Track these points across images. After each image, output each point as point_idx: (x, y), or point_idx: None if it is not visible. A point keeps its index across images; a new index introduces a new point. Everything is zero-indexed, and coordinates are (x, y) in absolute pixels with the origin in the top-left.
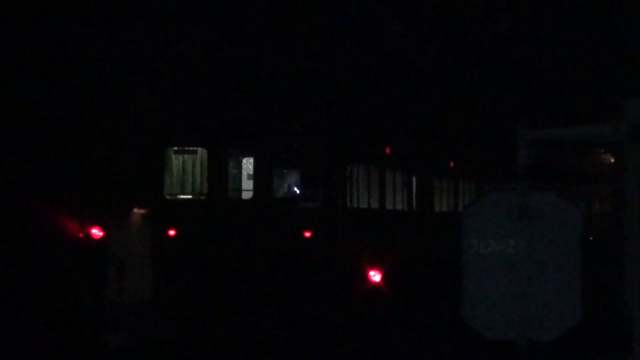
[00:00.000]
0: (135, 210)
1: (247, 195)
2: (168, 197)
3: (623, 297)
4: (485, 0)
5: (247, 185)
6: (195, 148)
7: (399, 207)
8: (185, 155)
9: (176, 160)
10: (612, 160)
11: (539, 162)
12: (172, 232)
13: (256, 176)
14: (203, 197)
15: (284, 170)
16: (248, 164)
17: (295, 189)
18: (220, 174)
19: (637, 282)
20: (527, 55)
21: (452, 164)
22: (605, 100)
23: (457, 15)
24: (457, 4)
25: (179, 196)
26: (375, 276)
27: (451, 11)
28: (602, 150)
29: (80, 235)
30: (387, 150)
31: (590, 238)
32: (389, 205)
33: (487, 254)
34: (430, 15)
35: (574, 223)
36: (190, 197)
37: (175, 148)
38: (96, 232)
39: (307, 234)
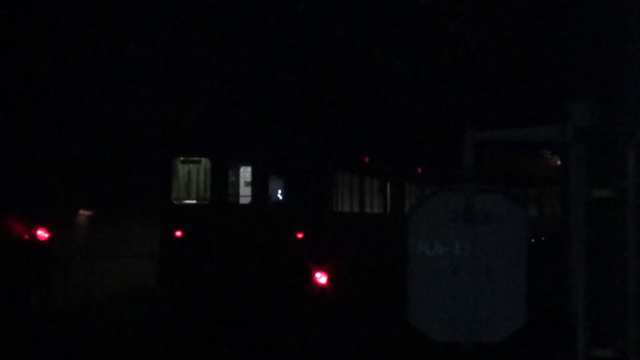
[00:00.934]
0: (81, 211)
1: (244, 200)
2: (175, 202)
3: (568, 298)
4: (434, 1)
5: (245, 191)
6: (199, 158)
7: (375, 210)
8: (191, 165)
9: (182, 169)
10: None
11: (492, 165)
12: (178, 234)
13: (253, 183)
14: (206, 202)
15: (278, 178)
16: (246, 173)
17: (288, 195)
18: (222, 181)
19: (582, 284)
20: (475, 57)
21: (419, 170)
22: (552, 102)
23: (404, 16)
24: (405, 5)
25: (184, 201)
26: (321, 278)
27: (399, 12)
28: (555, 153)
29: (26, 236)
30: (367, 159)
31: (542, 238)
32: (367, 209)
33: (432, 256)
34: (378, 17)
35: (520, 225)
36: (194, 202)
37: (182, 158)
38: (42, 234)
39: (299, 235)
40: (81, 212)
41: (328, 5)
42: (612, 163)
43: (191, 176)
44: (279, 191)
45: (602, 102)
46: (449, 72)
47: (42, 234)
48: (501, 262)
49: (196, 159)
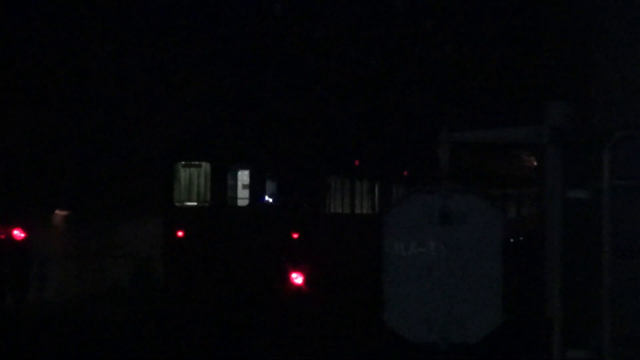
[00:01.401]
0: (57, 211)
1: (242, 202)
2: (177, 204)
3: (544, 299)
4: (409, 3)
5: (243, 194)
6: (200, 162)
7: (365, 211)
8: (192, 169)
9: (184, 173)
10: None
11: (472, 166)
12: (180, 233)
13: (251, 186)
14: (206, 204)
15: (275, 181)
16: (244, 176)
17: (284, 197)
18: (221, 184)
19: (557, 285)
20: (450, 58)
21: (405, 173)
22: (528, 103)
23: (380, 17)
24: (380, 6)
25: (186, 203)
26: (297, 278)
27: (374, 13)
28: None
29: (2, 237)
30: (357, 163)
31: (521, 238)
32: (357, 210)
33: (407, 256)
34: (355, 18)
35: (495, 226)
36: (195, 203)
37: (184, 162)
38: (18, 234)
39: (295, 235)
40: (57, 212)
41: (305, 6)
42: (588, 164)
43: (192, 179)
44: (276, 194)
45: (579, 103)
46: (426, 73)
47: (18, 234)
48: (477, 262)
49: (197, 163)
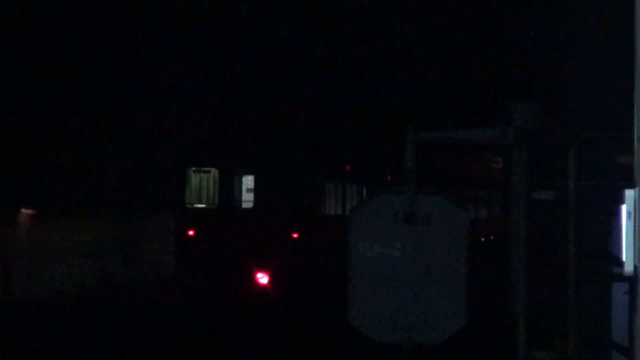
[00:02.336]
0: (23, 210)
1: (247, 205)
2: (188, 205)
3: (509, 299)
4: (377, 3)
5: (248, 197)
6: (209, 168)
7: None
8: (202, 174)
9: (195, 178)
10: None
11: (443, 167)
12: (191, 233)
13: (255, 190)
14: (214, 206)
15: (277, 186)
16: (248, 181)
17: (286, 200)
18: (228, 188)
19: (523, 285)
20: (418, 58)
21: (389, 177)
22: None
23: (348, 17)
24: (348, 6)
25: (196, 205)
26: (262, 278)
27: (342, 13)
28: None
29: None
30: (348, 167)
31: (491, 237)
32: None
33: (372, 256)
34: (321, 18)
35: (461, 227)
36: (204, 206)
37: (194, 168)
38: None
39: (295, 235)
40: (23, 211)
41: (271, 6)
42: (553, 165)
43: (202, 184)
44: (277, 197)
45: (545, 105)
46: (392, 73)
47: None
48: (442, 263)
49: (206, 169)
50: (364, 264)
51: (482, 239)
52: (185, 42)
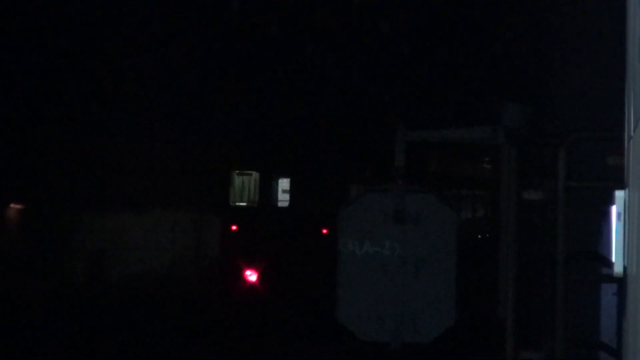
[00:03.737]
0: (12, 205)
1: (283, 204)
2: (232, 204)
3: (497, 298)
4: (367, 1)
5: (284, 197)
6: (251, 172)
7: None
8: (244, 176)
9: (238, 180)
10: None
11: (439, 168)
12: (234, 227)
13: (290, 191)
14: (255, 204)
15: (309, 188)
16: (284, 183)
17: (316, 200)
18: (267, 189)
19: (511, 285)
20: (407, 58)
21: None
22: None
23: (338, 15)
24: (338, 5)
25: (239, 203)
26: (251, 276)
27: (332, 11)
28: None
29: None
30: (367, 172)
31: (487, 235)
32: None
33: (362, 254)
34: (311, 16)
35: (450, 226)
36: (246, 204)
37: (238, 171)
38: None
39: (324, 231)
40: (12, 205)
41: (261, 2)
42: (543, 166)
43: (244, 185)
44: (309, 197)
45: (535, 105)
46: (383, 72)
47: None
48: (430, 262)
49: (248, 172)
50: (353, 263)
51: (479, 236)
52: (231, 58)
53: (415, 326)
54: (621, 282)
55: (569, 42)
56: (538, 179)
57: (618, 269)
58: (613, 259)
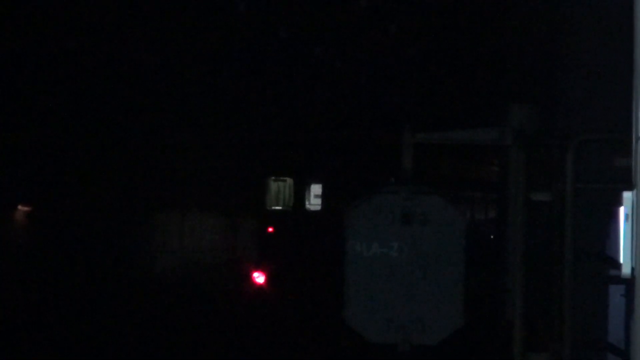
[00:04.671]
0: (20, 207)
1: (315, 208)
2: (268, 208)
3: (506, 301)
4: (373, 2)
5: (316, 201)
6: (285, 178)
7: None
8: (280, 182)
9: (274, 185)
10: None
11: (452, 171)
12: (270, 230)
13: (322, 196)
14: (289, 208)
15: (339, 193)
16: (317, 189)
17: (346, 204)
18: (300, 194)
19: (519, 287)
20: (414, 58)
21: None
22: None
23: (344, 16)
24: (345, 6)
25: (274, 207)
26: (259, 278)
27: (338, 12)
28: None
29: None
30: (392, 179)
31: (491, 237)
32: None
33: (369, 256)
34: (317, 17)
35: (457, 228)
36: (281, 208)
37: (273, 177)
38: None
39: None
40: (20, 207)
41: (269, 5)
42: (551, 167)
43: (279, 190)
44: (339, 201)
45: (543, 106)
46: (389, 73)
47: None
48: (439, 263)
49: (283, 178)
50: (360, 264)
51: (492, 236)
52: (268, 75)
53: (424, 327)
54: (629, 283)
55: (577, 43)
56: (546, 180)
57: (626, 270)
58: (621, 260)
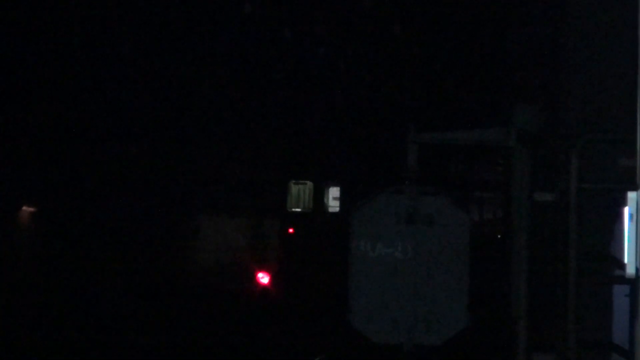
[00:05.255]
0: (24, 208)
1: (333, 209)
2: (289, 210)
3: (510, 302)
4: (378, 3)
5: (334, 203)
6: (305, 181)
7: None
8: (300, 185)
9: (294, 188)
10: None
11: (458, 172)
12: (291, 230)
13: (340, 198)
14: (309, 210)
15: (356, 195)
16: (335, 191)
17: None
18: (319, 197)
19: (523, 287)
20: (419, 59)
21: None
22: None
23: (350, 17)
24: (350, 6)
25: (295, 209)
26: (263, 278)
27: (344, 12)
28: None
29: None
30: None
31: (499, 236)
32: None
33: (374, 256)
34: (324, 17)
35: (462, 228)
36: (301, 210)
37: (294, 181)
38: None
39: None
40: (24, 208)
41: (273, 6)
42: (555, 167)
43: (300, 193)
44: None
45: (547, 106)
46: (394, 74)
47: None
48: (443, 264)
49: (303, 182)
50: (365, 264)
51: (499, 236)
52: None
53: (428, 328)
54: (633, 283)
55: (582, 44)
56: (550, 180)
57: (630, 270)
58: (625, 261)
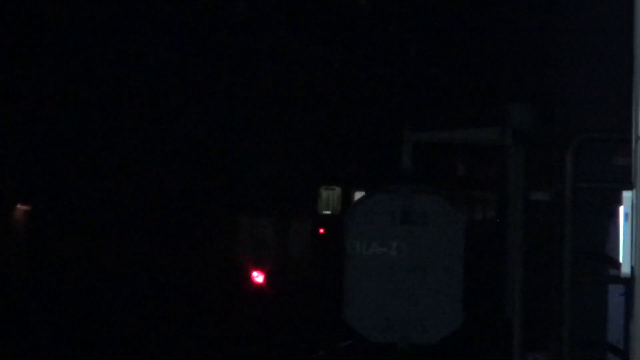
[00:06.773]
0: (19, 206)
1: None
2: (320, 212)
3: (504, 301)
4: (374, 3)
5: None
6: (334, 187)
7: None
8: (329, 190)
9: (324, 193)
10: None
11: (455, 171)
12: (321, 231)
13: None
14: (337, 213)
15: None
16: (360, 195)
17: None
18: (347, 200)
19: (518, 287)
20: (414, 58)
21: None
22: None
23: (345, 17)
24: (346, 6)
25: (325, 212)
26: (258, 277)
27: (340, 13)
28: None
29: None
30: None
31: (494, 234)
32: None
33: (368, 255)
34: (318, 17)
35: (457, 227)
36: (330, 212)
37: (324, 187)
38: None
39: None
40: (19, 206)
41: (269, 4)
42: (550, 166)
43: (329, 197)
44: None
45: (542, 105)
46: (390, 73)
47: None
48: (438, 263)
49: (332, 187)
50: (360, 264)
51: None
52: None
53: (423, 327)
54: (628, 283)
55: (577, 42)
56: (545, 180)
57: (625, 269)
58: (620, 260)
